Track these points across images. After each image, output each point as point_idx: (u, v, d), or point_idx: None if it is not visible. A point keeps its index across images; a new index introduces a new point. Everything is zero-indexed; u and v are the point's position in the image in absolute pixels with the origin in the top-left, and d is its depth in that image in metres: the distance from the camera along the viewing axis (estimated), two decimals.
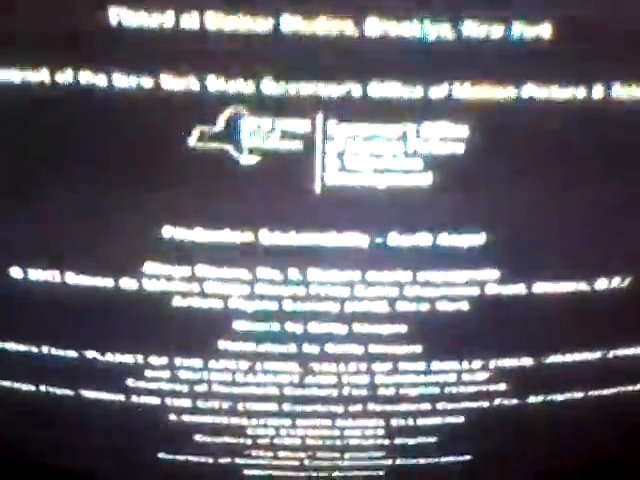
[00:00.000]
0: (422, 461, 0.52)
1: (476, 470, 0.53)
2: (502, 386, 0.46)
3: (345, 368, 0.44)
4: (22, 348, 0.43)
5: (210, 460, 0.51)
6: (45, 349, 0.43)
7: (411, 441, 0.50)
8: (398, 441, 0.50)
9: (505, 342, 0.43)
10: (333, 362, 0.43)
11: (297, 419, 0.47)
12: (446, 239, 0.37)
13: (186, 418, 0.47)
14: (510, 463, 0.54)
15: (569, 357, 0.44)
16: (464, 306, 0.41)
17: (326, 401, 0.46)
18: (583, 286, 0.40)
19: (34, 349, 0.43)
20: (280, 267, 0.38)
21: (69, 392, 0.46)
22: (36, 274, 0.39)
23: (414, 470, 0.52)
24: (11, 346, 0.43)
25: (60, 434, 0.51)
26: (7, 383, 0.46)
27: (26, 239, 0.38)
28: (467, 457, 0.52)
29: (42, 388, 0.46)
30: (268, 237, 0.37)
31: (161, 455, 0.51)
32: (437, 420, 0.48)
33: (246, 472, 0.53)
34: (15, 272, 0.39)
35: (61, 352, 0.43)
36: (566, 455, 0.54)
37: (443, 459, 0.52)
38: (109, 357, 0.43)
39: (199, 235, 0.37)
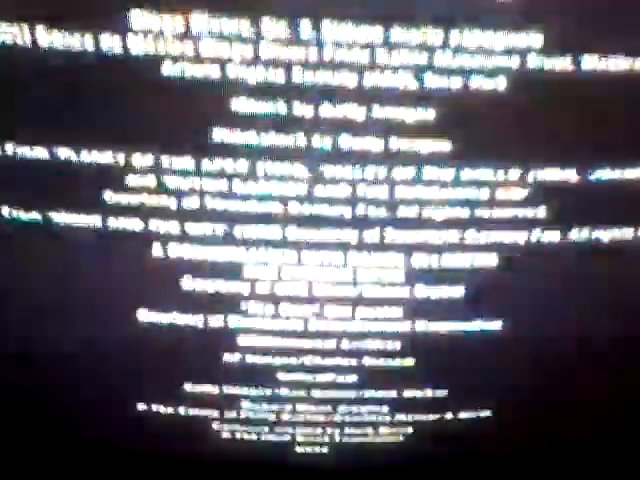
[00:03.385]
0: (445, 328, 0.45)
1: (506, 350, 0.46)
2: (541, 211, 0.40)
3: (361, 174, 0.38)
4: None
5: (200, 322, 0.44)
6: (9, 148, 0.37)
7: (434, 293, 0.43)
8: (419, 292, 0.43)
9: (546, 143, 0.37)
10: (347, 164, 0.37)
11: (303, 251, 0.41)
12: None
13: (173, 251, 0.40)
14: (543, 341, 0.46)
15: (618, 173, 0.38)
16: (501, 84, 0.35)
17: (338, 224, 0.39)
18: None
19: None
20: (290, 17, 0.33)
21: (37, 216, 0.39)
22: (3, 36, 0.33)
23: (435, 341, 0.45)
24: None
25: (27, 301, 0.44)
26: None
27: None
28: (498, 323, 0.45)
29: (4, 212, 0.40)
30: None
31: (141, 315, 0.44)
32: (466, 259, 0.41)
33: (241, 341, 0.45)
34: None
35: (28, 151, 0.37)
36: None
37: (470, 325, 0.45)
38: (84, 157, 0.37)
39: None
